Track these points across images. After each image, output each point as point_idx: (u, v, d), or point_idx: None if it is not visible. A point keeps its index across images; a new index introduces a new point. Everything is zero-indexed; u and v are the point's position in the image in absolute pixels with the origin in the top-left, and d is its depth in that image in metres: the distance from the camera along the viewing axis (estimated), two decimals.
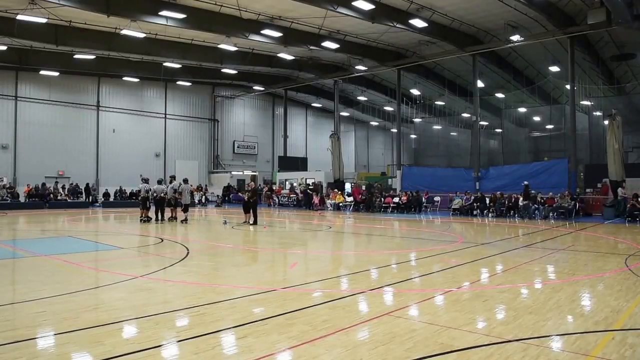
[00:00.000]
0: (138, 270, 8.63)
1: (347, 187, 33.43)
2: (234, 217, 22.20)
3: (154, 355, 4.37)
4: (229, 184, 38.53)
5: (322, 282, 7.82)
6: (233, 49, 28.14)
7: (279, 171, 39.62)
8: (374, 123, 50.59)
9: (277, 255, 11.81)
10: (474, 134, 29.45)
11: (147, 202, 19.51)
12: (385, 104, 41.99)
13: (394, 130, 36.94)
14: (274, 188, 36.27)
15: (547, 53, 27.13)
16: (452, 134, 38.12)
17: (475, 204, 24.15)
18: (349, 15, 22.44)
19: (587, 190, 24.49)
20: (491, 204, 23.79)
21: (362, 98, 41.43)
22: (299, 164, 40.81)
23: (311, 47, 27.73)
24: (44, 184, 29.85)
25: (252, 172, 39.23)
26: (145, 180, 20.44)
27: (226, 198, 36.54)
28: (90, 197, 31.76)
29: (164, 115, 38.08)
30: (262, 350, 4.47)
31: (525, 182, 23.31)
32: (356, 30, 26.54)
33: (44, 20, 22.29)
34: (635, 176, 22.34)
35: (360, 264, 10.21)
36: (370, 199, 27.99)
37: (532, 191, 22.92)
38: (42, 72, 30.91)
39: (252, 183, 21.18)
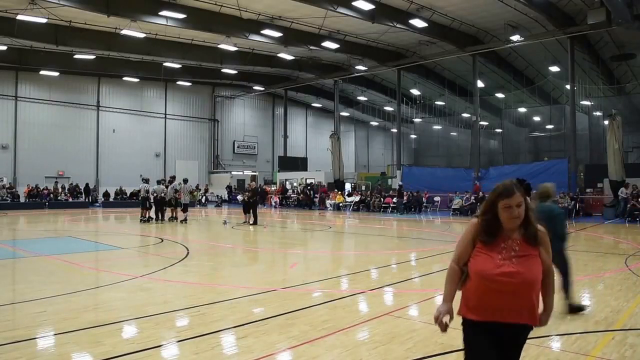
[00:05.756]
0: (138, 270, 8.62)
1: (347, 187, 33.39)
2: (234, 217, 22.20)
3: (154, 355, 4.37)
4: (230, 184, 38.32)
5: (322, 282, 7.81)
6: (233, 49, 28.14)
7: (279, 171, 39.60)
8: (374, 123, 50.58)
9: (277, 255, 11.81)
10: (474, 134, 29.45)
11: (147, 202, 19.52)
12: (385, 104, 41.98)
13: (394, 130, 36.93)
14: (267, 189, 35.76)
15: (547, 53, 27.12)
16: (452, 134, 38.09)
17: (476, 204, 24.12)
18: (349, 15, 22.44)
19: (587, 190, 24.48)
20: None
21: (362, 98, 41.42)
22: (299, 164, 40.80)
23: (311, 47, 27.73)
24: (38, 186, 29.83)
25: (252, 172, 39.21)
26: (146, 180, 20.46)
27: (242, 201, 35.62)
28: (90, 197, 31.77)
29: (164, 115, 38.08)
30: (262, 350, 4.47)
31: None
32: (356, 30, 26.53)
33: (44, 20, 22.29)
34: (635, 176, 22.33)
35: (360, 264, 10.21)
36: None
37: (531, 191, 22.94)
38: (42, 72, 30.90)
39: (253, 183, 21.18)
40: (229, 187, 37.59)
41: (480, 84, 29.91)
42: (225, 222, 19.79)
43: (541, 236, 2.70)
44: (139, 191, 22.48)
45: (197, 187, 35.36)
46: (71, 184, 31.89)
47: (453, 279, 2.80)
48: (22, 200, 29.07)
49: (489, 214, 2.71)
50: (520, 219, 2.65)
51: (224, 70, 32.52)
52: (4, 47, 26.86)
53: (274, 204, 33.68)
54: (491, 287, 2.61)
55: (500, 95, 35.14)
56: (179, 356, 4.45)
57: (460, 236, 2.78)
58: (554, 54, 27.26)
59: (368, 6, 21.59)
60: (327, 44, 26.76)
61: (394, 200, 27.06)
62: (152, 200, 19.63)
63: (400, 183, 28.08)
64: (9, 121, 31.10)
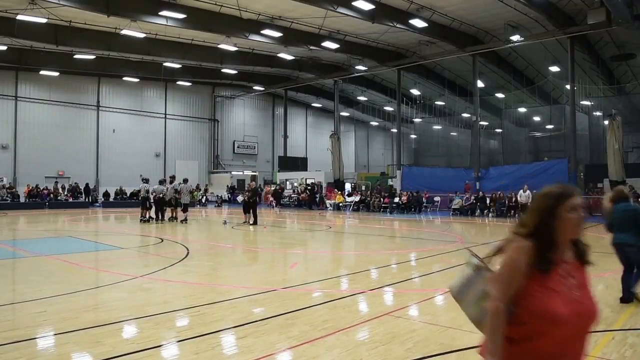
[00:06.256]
0: (138, 270, 8.62)
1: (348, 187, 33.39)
2: (234, 217, 22.19)
3: (154, 355, 4.37)
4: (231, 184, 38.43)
5: (322, 282, 7.81)
6: (233, 49, 28.13)
7: (279, 171, 39.59)
8: (374, 123, 50.57)
9: (277, 255, 11.81)
10: (474, 134, 29.45)
11: (147, 202, 19.52)
12: (385, 104, 41.97)
13: (394, 130, 36.93)
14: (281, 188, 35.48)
15: (547, 53, 27.11)
16: (452, 134, 38.10)
17: (476, 204, 24.14)
18: (349, 15, 22.43)
19: (596, 188, 24.44)
20: (491, 203, 23.81)
21: (362, 98, 41.41)
22: (299, 164, 40.79)
23: (311, 47, 27.71)
24: (38, 186, 29.82)
25: (252, 172, 39.19)
26: (146, 180, 20.46)
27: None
28: (90, 197, 31.77)
29: (164, 115, 38.07)
30: (262, 350, 4.47)
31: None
32: (356, 30, 26.52)
33: (44, 20, 22.28)
34: (635, 176, 22.33)
35: (360, 264, 10.21)
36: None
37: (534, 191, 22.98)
38: (42, 72, 30.86)
39: (253, 183, 21.16)
40: (231, 188, 37.60)
41: (480, 84, 29.90)
42: (225, 222, 19.79)
43: (589, 252, 2.20)
44: (139, 191, 22.48)
45: (197, 187, 35.37)
46: (71, 184, 31.89)
47: (500, 325, 1.99)
48: (22, 200, 29.03)
49: (545, 229, 2.04)
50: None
51: (224, 70, 32.51)
52: (4, 47, 26.84)
53: (270, 203, 33.63)
54: (558, 332, 1.95)
55: (500, 95, 35.14)
56: (179, 356, 4.46)
57: (502, 268, 2.09)
58: (554, 54, 27.25)
59: (368, 6, 21.57)
60: (327, 44, 26.75)
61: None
62: (152, 200, 19.63)
63: (391, 183, 28.65)
64: (9, 121, 31.09)
